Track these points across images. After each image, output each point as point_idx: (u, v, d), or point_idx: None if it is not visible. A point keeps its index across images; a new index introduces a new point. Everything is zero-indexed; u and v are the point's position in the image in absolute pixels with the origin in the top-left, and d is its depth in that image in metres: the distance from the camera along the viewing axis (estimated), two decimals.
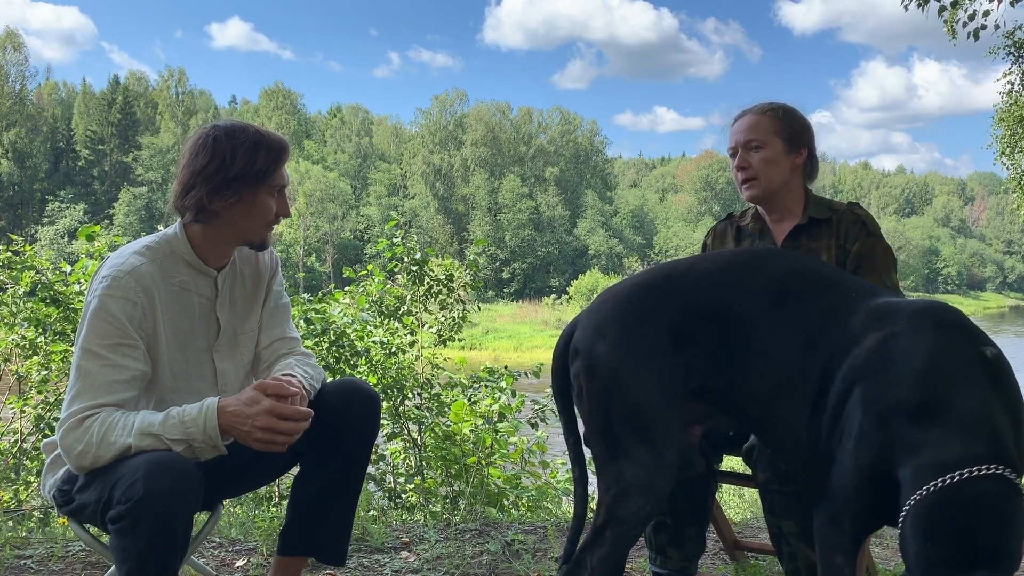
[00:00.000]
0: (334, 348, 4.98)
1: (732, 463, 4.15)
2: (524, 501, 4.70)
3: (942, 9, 7.54)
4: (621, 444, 1.76)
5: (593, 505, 1.99)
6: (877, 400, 1.54)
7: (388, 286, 5.77)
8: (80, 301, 4.75)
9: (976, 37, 7.47)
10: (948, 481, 1.39)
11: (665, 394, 1.76)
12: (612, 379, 1.77)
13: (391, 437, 5.09)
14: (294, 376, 1.87)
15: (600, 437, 1.80)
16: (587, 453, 1.93)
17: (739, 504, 5.21)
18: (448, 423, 5.00)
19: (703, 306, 1.79)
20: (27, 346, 5.01)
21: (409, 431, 5.10)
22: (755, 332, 1.75)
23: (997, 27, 7.54)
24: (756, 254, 1.93)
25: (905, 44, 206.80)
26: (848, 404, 1.59)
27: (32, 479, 4.87)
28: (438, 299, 5.80)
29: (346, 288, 5.91)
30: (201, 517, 2.06)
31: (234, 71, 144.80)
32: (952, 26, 9.33)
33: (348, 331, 5.07)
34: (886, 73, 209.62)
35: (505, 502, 4.65)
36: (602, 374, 1.77)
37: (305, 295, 5.61)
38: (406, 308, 5.65)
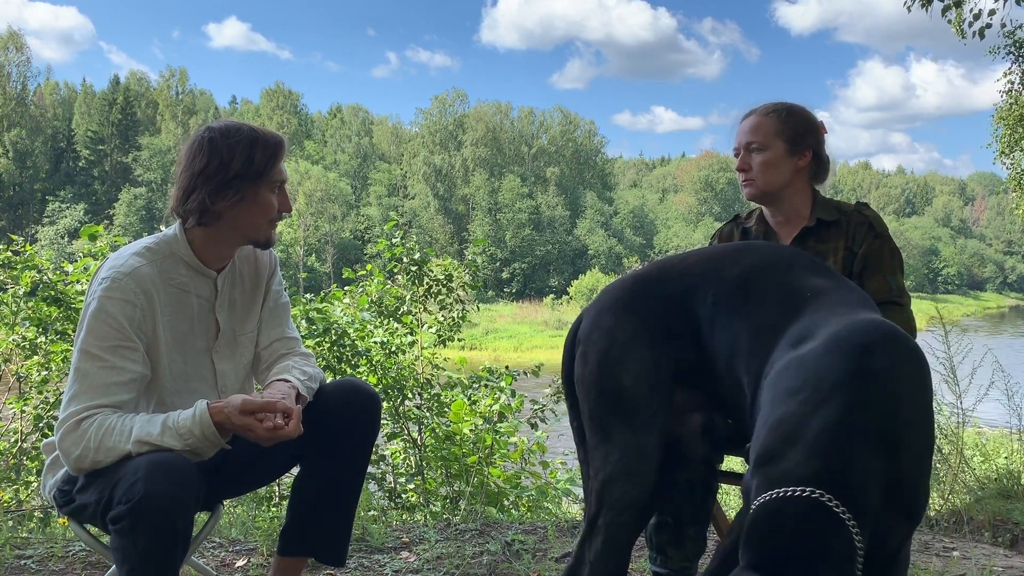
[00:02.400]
0: (335, 348, 4.98)
1: (732, 463, 4.15)
2: (524, 501, 4.71)
3: (946, 9, 7.52)
4: (607, 429, 1.82)
5: None
6: (765, 419, 1.53)
7: (388, 286, 5.77)
8: (81, 301, 4.76)
9: (982, 36, 7.45)
10: (766, 499, 1.38)
11: (650, 382, 1.80)
12: (601, 365, 1.83)
13: (391, 437, 5.09)
14: (289, 380, 1.87)
15: (590, 422, 1.87)
16: None
17: (739, 504, 5.21)
18: (448, 423, 5.00)
19: (685, 298, 1.83)
20: (27, 346, 5.02)
21: (409, 431, 5.10)
22: (721, 324, 1.77)
23: (1003, 26, 7.52)
24: (740, 247, 1.92)
25: (902, 44, 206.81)
26: None
27: (32, 479, 4.87)
28: (437, 299, 5.80)
29: (346, 288, 5.91)
30: (201, 517, 2.06)
31: (233, 71, 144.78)
32: (960, 26, 9.31)
33: (349, 331, 5.07)
34: (883, 73, 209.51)
35: (505, 502, 4.65)
36: (592, 360, 1.85)
37: (307, 295, 5.61)
38: (405, 308, 5.65)
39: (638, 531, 1.95)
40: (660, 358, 1.81)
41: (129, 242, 2.15)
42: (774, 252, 1.85)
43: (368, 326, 5.28)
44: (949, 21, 8.90)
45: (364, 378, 4.90)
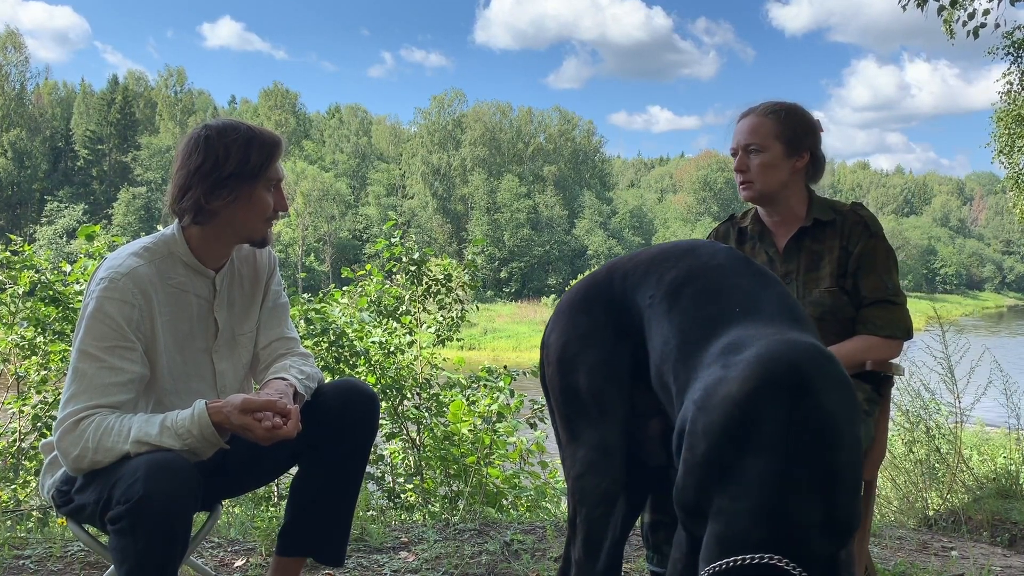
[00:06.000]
0: (333, 348, 4.98)
1: None
2: (523, 501, 4.71)
3: (941, 8, 7.52)
4: (572, 426, 1.86)
5: None
6: (690, 446, 1.51)
7: (386, 286, 5.77)
8: (79, 301, 4.75)
9: (976, 36, 7.47)
10: (722, 567, 1.38)
11: (604, 378, 1.83)
12: (559, 364, 1.89)
13: (390, 437, 5.10)
14: (287, 378, 1.87)
15: (559, 422, 1.91)
16: None
17: None
18: (447, 423, 5.00)
19: (631, 298, 1.83)
20: (26, 346, 5.02)
21: (408, 431, 5.10)
22: (656, 327, 1.75)
23: (997, 26, 7.53)
24: (686, 248, 1.87)
25: (896, 44, 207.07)
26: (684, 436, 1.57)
27: (31, 479, 4.87)
28: (436, 299, 5.80)
29: (344, 288, 5.91)
30: (200, 517, 2.06)
31: (229, 71, 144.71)
32: (951, 25, 9.33)
33: (348, 331, 5.07)
34: (877, 72, 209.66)
35: (504, 502, 4.66)
36: (552, 360, 1.91)
37: (305, 295, 5.61)
38: (404, 308, 5.66)
39: (622, 523, 1.97)
40: (612, 356, 1.83)
41: (127, 242, 2.15)
42: (714, 256, 1.80)
43: (367, 326, 5.28)
44: (945, 21, 8.91)
45: (363, 378, 4.90)
